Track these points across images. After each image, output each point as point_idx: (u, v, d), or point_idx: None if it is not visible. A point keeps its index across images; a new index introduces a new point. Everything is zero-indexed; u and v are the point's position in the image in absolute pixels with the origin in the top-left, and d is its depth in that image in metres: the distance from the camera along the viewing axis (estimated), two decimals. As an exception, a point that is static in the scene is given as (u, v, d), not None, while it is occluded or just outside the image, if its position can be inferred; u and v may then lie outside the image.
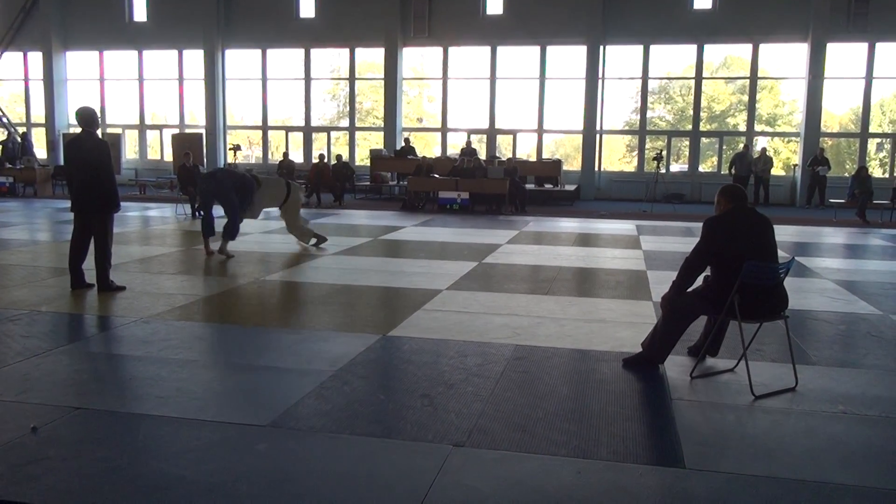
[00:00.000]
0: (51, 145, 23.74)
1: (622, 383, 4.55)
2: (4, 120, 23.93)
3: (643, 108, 21.16)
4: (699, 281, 4.75)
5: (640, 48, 20.66)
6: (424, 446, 3.51)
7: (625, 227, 13.93)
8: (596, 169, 21.06)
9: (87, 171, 6.88)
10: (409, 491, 3.05)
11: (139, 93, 23.84)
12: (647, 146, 21.32)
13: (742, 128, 20.92)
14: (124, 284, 7.12)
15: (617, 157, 22.38)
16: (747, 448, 3.60)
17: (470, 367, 4.77)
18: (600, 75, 20.50)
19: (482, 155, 20.37)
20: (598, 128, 20.81)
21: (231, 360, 4.86)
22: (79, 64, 24.11)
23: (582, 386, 4.54)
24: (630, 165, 21.87)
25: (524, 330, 5.79)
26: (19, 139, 22.54)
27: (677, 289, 4.66)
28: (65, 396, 4.13)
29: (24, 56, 24.26)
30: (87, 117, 6.96)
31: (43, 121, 24.20)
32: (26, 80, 24.64)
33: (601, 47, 20.33)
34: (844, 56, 19.64)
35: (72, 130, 23.75)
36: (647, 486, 3.17)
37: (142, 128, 24.13)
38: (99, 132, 7.40)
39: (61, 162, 22.42)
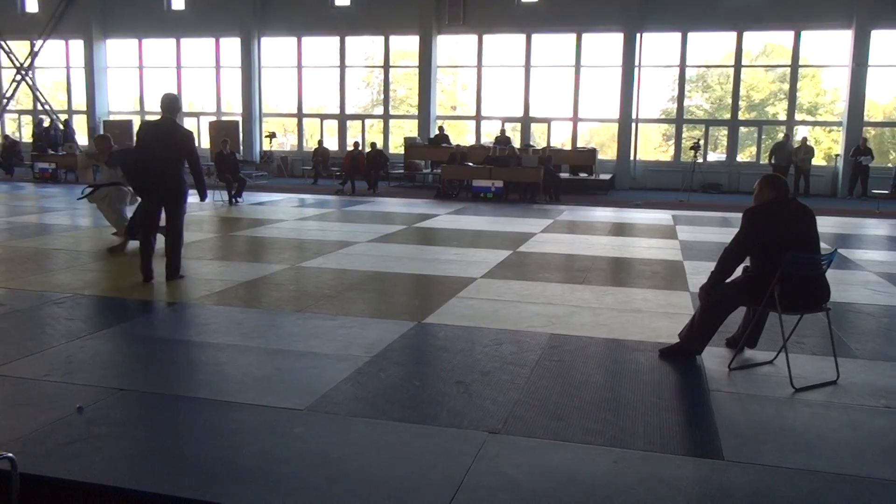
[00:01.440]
0: (91, 132, 24.14)
1: (658, 373, 4.52)
2: (47, 107, 24.42)
3: (680, 97, 20.83)
4: (738, 271, 4.69)
5: (677, 35, 20.31)
6: (460, 433, 3.53)
7: (660, 216, 13.77)
8: (631, 158, 20.80)
9: (168, 157, 6.81)
10: (446, 476, 3.08)
11: (177, 80, 24.13)
12: (683, 135, 21.02)
13: (782, 117, 20.49)
14: (160, 270, 7.16)
15: (653, 147, 22.10)
16: (787, 441, 3.56)
17: (505, 355, 4.78)
18: (637, 63, 20.21)
19: (516, 143, 20.27)
20: (633, 116, 20.54)
21: (269, 345, 4.93)
22: (118, 52, 24.48)
23: (618, 375, 4.51)
24: (666, 154, 21.58)
25: (559, 319, 5.77)
26: (61, 126, 22.99)
27: (716, 279, 4.60)
28: (109, 378, 4.23)
29: (66, 44, 24.69)
30: (168, 103, 6.89)
31: (84, 108, 24.64)
32: (67, 67, 25.07)
33: (638, 35, 20.03)
34: (889, 43, 19.10)
35: (112, 118, 24.18)
36: (685, 476, 3.15)
37: (179, 115, 24.40)
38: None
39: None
